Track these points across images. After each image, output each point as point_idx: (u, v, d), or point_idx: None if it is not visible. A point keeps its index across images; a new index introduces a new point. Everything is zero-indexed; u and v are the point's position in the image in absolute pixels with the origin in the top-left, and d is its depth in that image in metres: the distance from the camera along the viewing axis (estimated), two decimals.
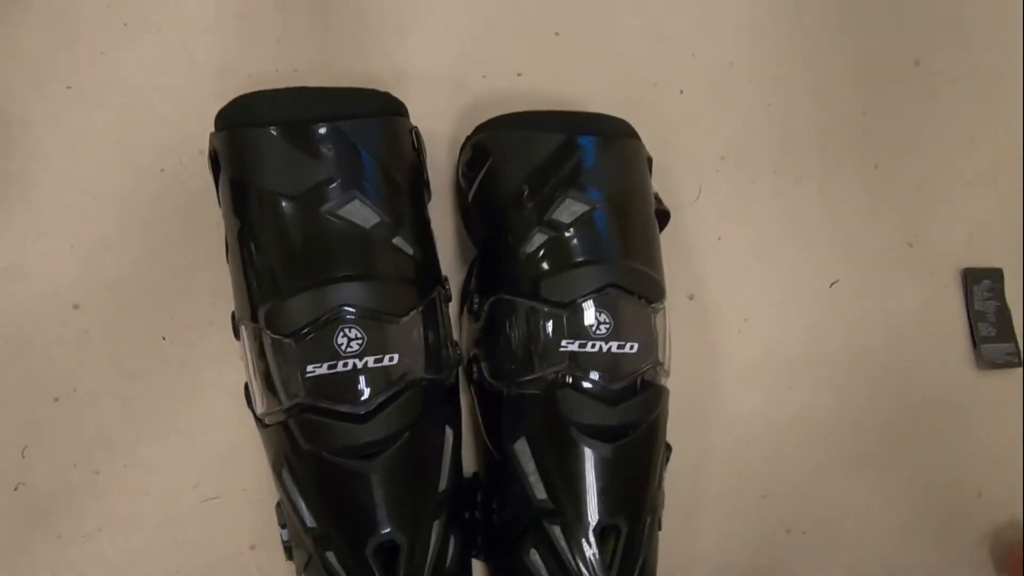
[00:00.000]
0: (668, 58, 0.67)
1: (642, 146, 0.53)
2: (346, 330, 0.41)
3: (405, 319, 0.42)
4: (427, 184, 0.51)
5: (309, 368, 0.40)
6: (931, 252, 0.74)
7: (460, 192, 0.54)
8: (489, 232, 0.49)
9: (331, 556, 0.42)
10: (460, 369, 0.51)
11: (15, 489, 0.46)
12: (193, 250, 0.50)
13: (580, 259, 0.45)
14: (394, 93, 0.49)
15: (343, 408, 0.41)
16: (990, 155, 0.77)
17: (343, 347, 0.41)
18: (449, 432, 0.46)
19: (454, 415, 0.47)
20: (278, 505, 0.47)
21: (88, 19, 0.51)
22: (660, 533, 0.53)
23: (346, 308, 0.40)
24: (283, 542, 0.47)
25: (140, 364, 0.49)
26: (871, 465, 0.67)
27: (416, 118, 0.56)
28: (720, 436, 0.63)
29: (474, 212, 0.51)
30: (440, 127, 0.59)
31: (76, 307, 0.49)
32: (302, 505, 0.42)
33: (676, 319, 0.63)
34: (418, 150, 0.49)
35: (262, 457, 0.46)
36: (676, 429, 0.58)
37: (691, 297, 0.65)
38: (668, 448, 0.56)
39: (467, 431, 0.54)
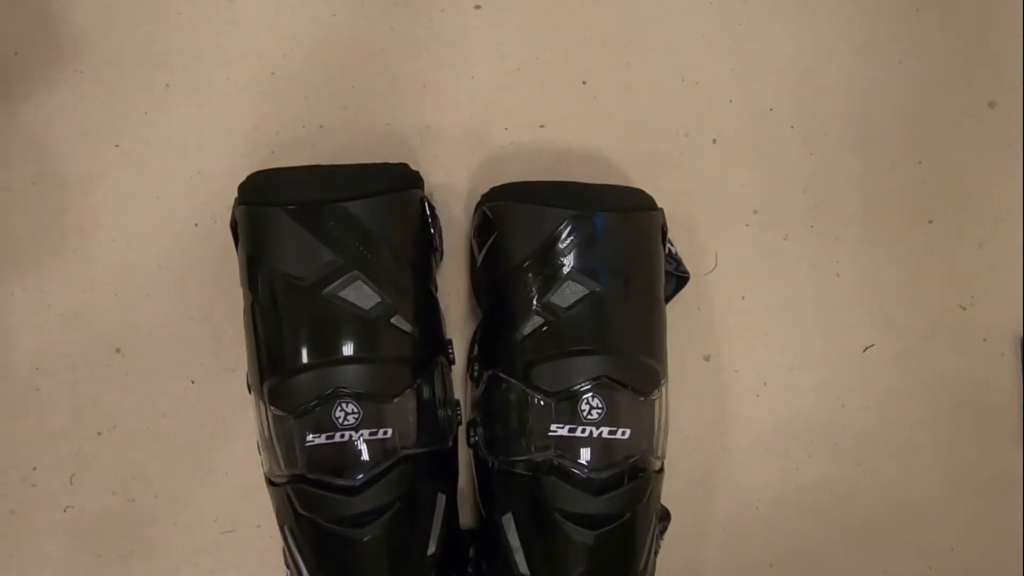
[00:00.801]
0: (702, 105, 0.65)
1: (657, 216, 0.52)
2: (343, 404, 0.43)
3: (398, 399, 0.44)
4: (437, 249, 0.53)
5: (309, 438, 0.43)
6: (986, 317, 0.68)
7: (471, 256, 0.55)
8: (493, 302, 0.50)
9: None
10: (460, 429, 0.53)
11: (64, 511, 0.53)
12: (220, 301, 0.54)
13: (574, 348, 0.45)
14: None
15: (339, 481, 0.43)
16: None
17: (340, 420, 0.43)
18: (442, 497, 0.48)
19: (448, 480, 0.49)
20: (284, 552, 0.51)
21: (135, 82, 0.55)
22: None
23: (342, 389, 0.42)
24: None
25: (172, 405, 0.54)
26: (896, 547, 0.65)
27: (436, 172, 0.57)
28: (725, 501, 0.62)
29: (481, 279, 0.52)
30: (459, 182, 0.60)
31: (118, 351, 0.54)
32: (300, 562, 0.46)
33: (689, 381, 0.62)
34: (429, 220, 0.51)
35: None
36: (678, 491, 0.58)
37: (707, 358, 0.63)
38: (666, 516, 0.56)
39: (467, 483, 0.56)
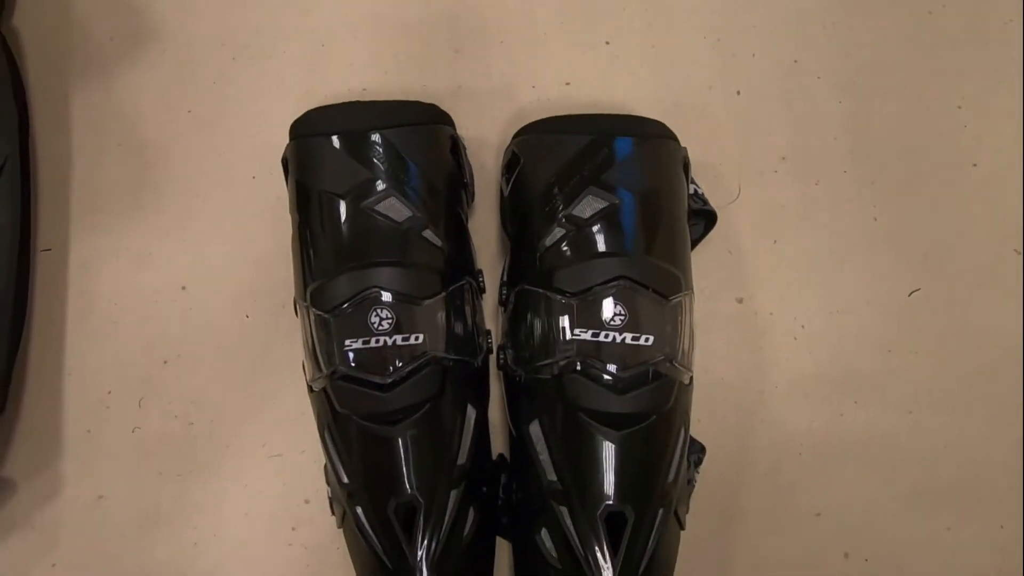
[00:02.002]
0: (725, 60, 0.67)
1: (677, 147, 0.54)
2: (378, 311, 0.47)
3: (428, 302, 0.47)
4: (467, 187, 0.56)
5: (347, 343, 0.47)
6: None
7: (501, 193, 0.59)
8: (519, 226, 0.52)
9: (359, 511, 0.48)
10: (492, 357, 0.55)
11: (132, 432, 0.58)
12: (273, 244, 0.59)
13: (594, 252, 0.47)
14: (449, 107, 0.54)
15: (372, 378, 0.46)
16: None
17: (375, 326, 0.47)
18: (471, 411, 0.50)
19: (478, 397, 0.51)
20: (325, 467, 0.54)
21: (205, 58, 0.63)
22: (685, 534, 0.53)
23: (377, 289, 0.46)
24: (328, 498, 0.54)
25: (228, 337, 0.59)
26: (959, 503, 0.60)
27: (467, 128, 0.61)
28: (765, 447, 0.61)
29: (508, 210, 0.55)
30: (490, 136, 0.64)
31: (184, 288, 0.60)
32: (338, 463, 0.48)
33: (722, 324, 0.62)
34: (458, 156, 0.54)
35: (316, 424, 0.53)
36: (715, 436, 0.57)
37: (740, 301, 0.63)
38: (701, 449, 0.55)
39: (498, 416, 0.58)
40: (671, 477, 0.48)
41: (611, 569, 0.46)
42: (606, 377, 0.46)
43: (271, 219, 0.60)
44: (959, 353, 0.63)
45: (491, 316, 0.59)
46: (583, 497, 0.46)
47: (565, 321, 0.47)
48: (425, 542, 0.47)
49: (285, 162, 0.53)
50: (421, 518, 0.47)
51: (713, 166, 0.64)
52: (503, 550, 0.56)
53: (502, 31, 0.66)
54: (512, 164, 0.55)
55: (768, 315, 0.63)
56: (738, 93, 0.66)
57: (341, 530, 0.52)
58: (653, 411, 0.46)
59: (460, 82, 0.65)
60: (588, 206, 0.48)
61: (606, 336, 0.46)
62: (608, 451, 0.46)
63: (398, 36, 0.65)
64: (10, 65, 0.60)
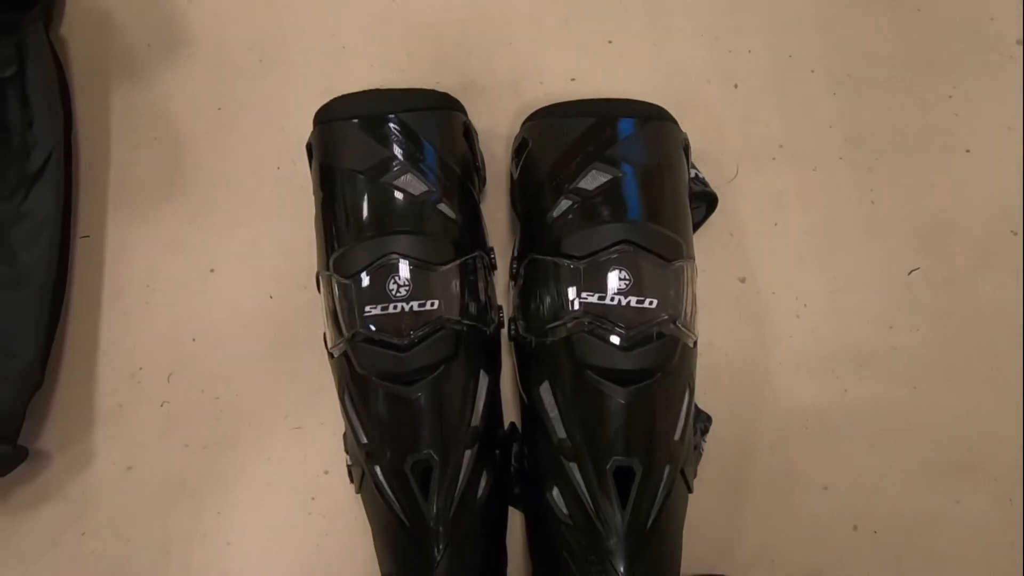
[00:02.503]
0: (722, 56, 0.70)
1: (677, 129, 0.57)
2: (396, 278, 0.49)
3: (443, 268, 0.50)
4: (479, 171, 0.60)
5: (367, 309, 0.49)
6: None
7: (511, 178, 0.62)
8: (528, 205, 0.56)
9: (378, 470, 0.50)
10: (504, 332, 0.57)
11: (160, 406, 0.60)
12: (296, 229, 0.63)
13: (599, 219, 0.50)
14: (461, 99, 0.58)
15: (390, 339, 0.49)
16: None
17: (393, 292, 0.49)
18: (484, 377, 0.52)
19: (490, 365, 0.53)
20: (344, 436, 0.56)
21: (235, 60, 0.68)
22: (694, 506, 0.54)
23: (395, 255, 0.48)
24: (347, 466, 0.56)
25: (253, 316, 0.62)
26: (968, 478, 0.61)
27: (478, 121, 0.65)
28: (771, 421, 0.62)
29: (517, 191, 0.59)
30: (500, 128, 0.68)
31: (212, 271, 0.63)
32: (357, 424, 0.51)
33: (725, 302, 0.65)
34: (470, 141, 0.58)
35: (335, 397, 0.56)
36: (721, 410, 0.59)
37: (743, 280, 0.65)
38: (707, 419, 0.57)
39: (509, 390, 0.60)
40: (677, 435, 0.49)
41: (621, 521, 0.47)
42: (612, 337, 0.48)
43: (294, 206, 0.64)
44: (961, 330, 0.64)
45: (503, 295, 0.62)
46: (592, 452, 0.48)
47: (572, 286, 0.49)
48: (440, 499, 0.49)
49: (309, 148, 0.57)
50: (436, 475, 0.49)
51: (713, 154, 0.67)
52: (516, 524, 0.58)
53: (510, 33, 0.70)
54: (521, 148, 0.59)
55: (771, 294, 0.65)
56: (736, 86, 0.70)
57: (359, 497, 0.54)
58: (658, 368, 0.48)
59: (471, 79, 0.69)
60: (593, 179, 0.51)
61: (612, 300, 0.49)
62: (615, 407, 0.48)
63: (412, 38, 0.69)
64: (57, 68, 0.65)
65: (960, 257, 0.66)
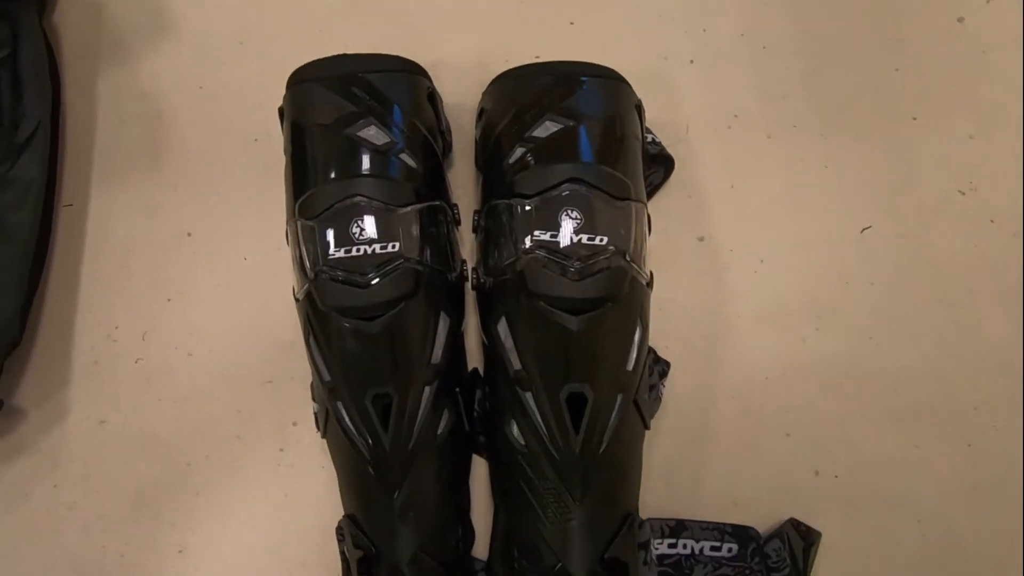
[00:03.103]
0: (678, 35, 0.74)
1: (630, 90, 0.60)
2: (358, 221, 0.52)
3: (404, 210, 0.52)
4: (444, 134, 0.63)
5: (330, 252, 0.52)
6: (989, 200, 0.69)
7: (475, 142, 0.65)
8: (487, 157, 0.58)
9: (340, 406, 0.51)
10: (468, 285, 0.59)
11: (135, 362, 0.62)
12: (271, 195, 0.65)
13: (552, 159, 0.52)
14: (431, 76, 0.62)
15: (352, 278, 0.51)
16: None
17: (356, 235, 0.52)
18: (445, 319, 0.54)
19: (452, 308, 0.55)
20: (312, 385, 0.58)
21: (216, 43, 0.72)
22: (658, 455, 0.55)
23: (358, 196, 0.51)
24: (314, 413, 0.57)
25: (227, 278, 0.65)
26: (920, 420, 0.63)
27: (448, 96, 0.69)
28: (732, 372, 0.63)
29: (479, 148, 0.62)
30: (467, 101, 0.71)
31: (189, 235, 0.66)
32: (321, 362, 0.52)
33: (684, 260, 0.67)
34: (434, 105, 0.61)
35: (305, 353, 0.57)
36: (682, 361, 0.61)
37: (701, 239, 0.68)
38: (666, 364, 0.59)
39: (474, 342, 0.61)
40: (629, 366, 0.51)
41: (574, 446, 0.48)
42: (564, 269, 0.50)
43: (269, 175, 0.67)
44: (914, 283, 0.66)
45: (468, 254, 0.64)
46: (545, 380, 0.49)
47: (526, 224, 0.52)
48: (400, 431, 0.50)
49: (281, 112, 0.60)
50: (396, 408, 0.50)
51: (670, 123, 0.71)
52: (483, 474, 0.59)
53: (477, 16, 0.74)
54: (483, 111, 0.62)
55: (728, 251, 0.67)
56: (691, 62, 0.74)
57: (325, 442, 0.55)
58: (609, 298, 0.50)
59: (440, 58, 0.73)
60: (546, 129, 0.54)
61: (564, 238, 0.51)
62: (567, 335, 0.49)
63: (385, 22, 0.74)
64: (48, 51, 0.69)
65: (911, 215, 0.68)
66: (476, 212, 0.59)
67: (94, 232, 0.66)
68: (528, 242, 0.51)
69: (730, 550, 0.56)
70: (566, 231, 0.51)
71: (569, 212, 0.52)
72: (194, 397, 0.61)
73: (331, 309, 0.51)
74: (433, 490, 0.50)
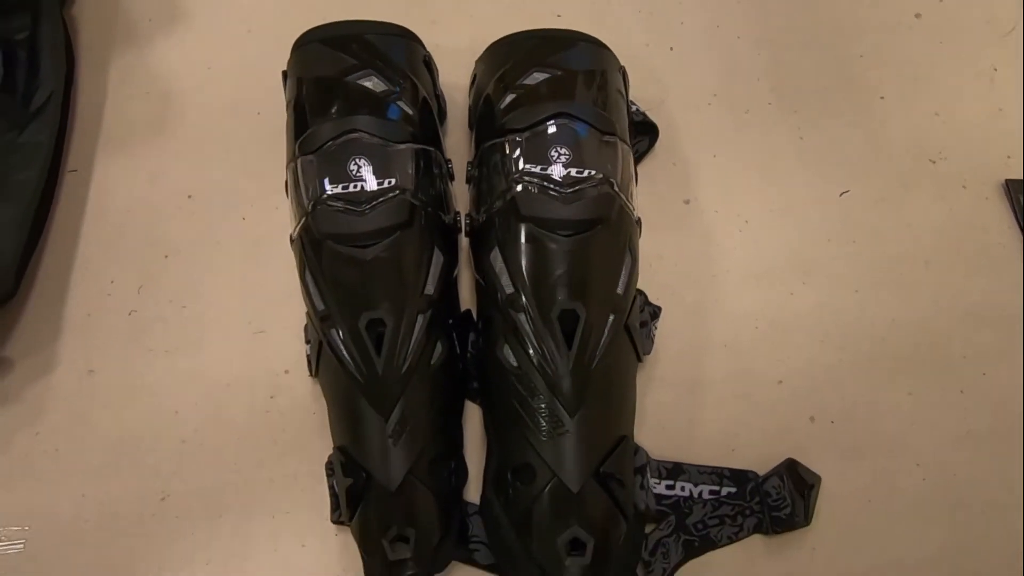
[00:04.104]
0: (658, 26, 0.80)
1: (614, 56, 0.64)
2: (356, 159, 0.54)
3: (401, 147, 0.54)
4: (439, 99, 0.66)
5: (328, 188, 0.53)
6: (960, 168, 0.73)
7: (469, 110, 0.68)
8: (479, 112, 0.61)
9: (334, 332, 0.51)
10: (462, 234, 0.60)
11: (128, 314, 0.62)
12: (271, 162, 0.67)
13: (540, 98, 0.55)
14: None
15: (349, 207, 0.52)
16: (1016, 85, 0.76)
17: (353, 172, 0.54)
18: (439, 255, 0.55)
19: (446, 248, 0.56)
20: (305, 328, 0.58)
21: (225, 30, 0.77)
22: (651, 402, 0.55)
23: (357, 132, 0.53)
24: (307, 356, 0.57)
25: (225, 235, 0.66)
26: (911, 369, 0.63)
27: (444, 75, 0.73)
28: (722, 323, 0.64)
29: (472, 111, 0.65)
30: (462, 80, 0.75)
31: (190, 197, 0.68)
32: (315, 293, 0.53)
33: (671, 220, 0.69)
34: (430, 71, 0.65)
35: (299, 305, 0.58)
36: (672, 313, 0.62)
37: (687, 202, 0.70)
38: (658, 308, 0.60)
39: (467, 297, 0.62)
40: (620, 289, 0.52)
41: (566, 361, 0.48)
42: (553, 193, 0.52)
43: (271, 144, 0.69)
44: (894, 242, 0.69)
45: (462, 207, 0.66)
46: (537, 299, 0.50)
47: (517, 156, 0.54)
48: (393, 355, 0.50)
49: (285, 75, 0.63)
50: (389, 332, 0.50)
51: (651, 100, 0.75)
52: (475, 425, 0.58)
53: (468, 7, 0.80)
54: (475, 77, 0.66)
55: (714, 212, 0.70)
56: (671, 49, 0.79)
57: (317, 393, 0.55)
58: (598, 220, 0.51)
59: (437, 43, 0.77)
60: (535, 78, 0.58)
61: (553, 170, 0.53)
62: (558, 255, 0.50)
63: (384, 11, 0.78)
64: (66, 36, 0.73)
65: (886, 181, 0.72)
66: (469, 163, 0.61)
67: (96, 196, 0.68)
68: (519, 174, 0.53)
69: (729, 493, 0.55)
70: (556, 166, 0.53)
71: (558, 148, 0.54)
72: (185, 347, 0.61)
73: (326, 237, 0.52)
74: (426, 417, 0.49)
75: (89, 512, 0.56)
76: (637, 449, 0.51)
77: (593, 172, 0.53)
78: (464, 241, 0.61)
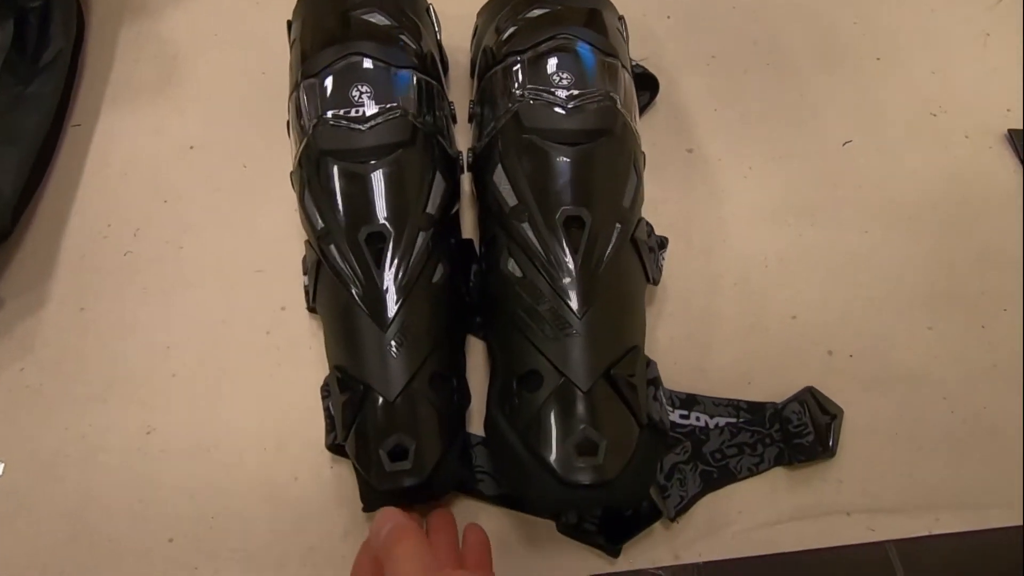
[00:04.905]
0: (652, 2, 0.82)
1: (613, 6, 0.66)
2: (359, 86, 0.54)
3: (403, 71, 0.54)
4: (440, 48, 0.67)
5: (329, 113, 0.53)
6: (961, 120, 0.73)
7: (471, 63, 0.69)
8: (482, 56, 0.62)
9: (332, 248, 0.50)
10: (464, 177, 0.60)
11: (124, 255, 0.61)
12: (274, 117, 0.68)
13: (541, 27, 0.56)
14: None
15: (351, 124, 0.52)
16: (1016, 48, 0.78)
17: (356, 98, 0.54)
18: (441, 180, 0.54)
19: (449, 175, 0.55)
20: (303, 259, 0.57)
21: (235, 2, 0.79)
22: (661, 336, 0.54)
23: (358, 55, 0.53)
24: (304, 288, 0.56)
25: (226, 182, 0.65)
26: (929, 303, 0.61)
27: (447, 39, 0.74)
28: (733, 261, 0.63)
29: (473, 59, 0.66)
30: (465, 44, 0.76)
31: (192, 148, 0.68)
32: (314, 212, 0.52)
33: (675, 168, 0.69)
34: (432, 20, 0.66)
35: (299, 245, 0.57)
36: (679, 253, 0.61)
37: (690, 151, 0.70)
38: (665, 238, 0.58)
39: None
40: (626, 202, 0.51)
41: (572, 263, 0.47)
42: (556, 106, 0.52)
43: (275, 101, 0.70)
44: (900, 189, 0.68)
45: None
46: (541, 206, 0.49)
47: (519, 77, 0.54)
48: (393, 267, 0.49)
49: (289, 24, 0.64)
50: (390, 244, 0.49)
51: (650, 64, 0.76)
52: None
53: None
54: (476, 28, 0.67)
55: (717, 160, 0.69)
56: (668, 18, 0.81)
57: (314, 329, 0.54)
58: (602, 131, 0.51)
59: (441, 10, 0.79)
60: (534, 12, 0.58)
61: (555, 93, 0.53)
62: (562, 164, 0.50)
63: None
64: (77, 3, 0.75)
65: (889, 133, 0.72)
66: (471, 101, 0.62)
67: (98, 147, 0.68)
68: (521, 89, 0.53)
69: (747, 420, 0.52)
70: (558, 87, 0.53)
71: (561, 74, 0.54)
72: (181, 286, 0.59)
73: (327, 154, 0.51)
74: (426, 331, 0.47)
75: (71, 447, 0.53)
76: (649, 362, 0.48)
77: (596, 91, 0.53)
78: (466, 186, 0.61)
